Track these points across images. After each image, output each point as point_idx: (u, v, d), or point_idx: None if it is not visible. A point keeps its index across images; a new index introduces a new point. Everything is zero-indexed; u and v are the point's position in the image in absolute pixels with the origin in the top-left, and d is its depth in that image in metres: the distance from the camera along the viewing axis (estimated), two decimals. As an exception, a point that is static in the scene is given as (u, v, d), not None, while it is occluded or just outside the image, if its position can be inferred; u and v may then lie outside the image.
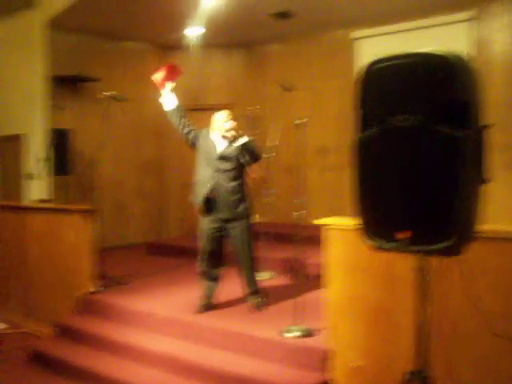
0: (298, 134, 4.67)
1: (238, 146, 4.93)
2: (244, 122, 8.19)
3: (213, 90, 9.67)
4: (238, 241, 5.05)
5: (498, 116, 5.81)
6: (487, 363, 3.27)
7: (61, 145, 7.59)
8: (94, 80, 8.28)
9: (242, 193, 5.02)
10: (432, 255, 2.34)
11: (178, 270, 6.97)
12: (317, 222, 3.92)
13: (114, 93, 6.28)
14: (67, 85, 8.17)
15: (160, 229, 9.67)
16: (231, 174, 4.97)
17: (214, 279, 5.20)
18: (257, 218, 7.07)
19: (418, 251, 2.29)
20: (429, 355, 2.53)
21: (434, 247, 2.22)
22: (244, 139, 4.93)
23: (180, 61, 9.62)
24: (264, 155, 6.35)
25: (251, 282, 5.15)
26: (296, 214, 4.41)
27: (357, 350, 3.84)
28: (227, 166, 4.97)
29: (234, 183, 4.98)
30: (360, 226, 2.44)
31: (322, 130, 8.55)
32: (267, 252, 6.44)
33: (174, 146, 9.46)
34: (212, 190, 4.96)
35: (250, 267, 5.13)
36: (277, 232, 7.03)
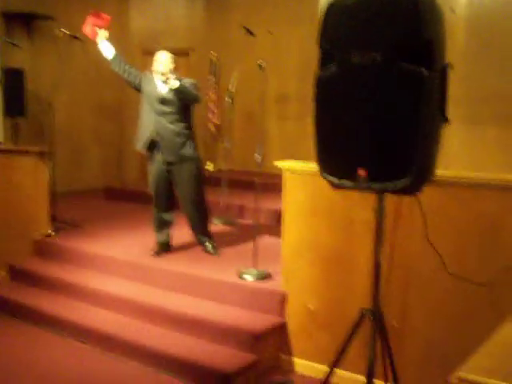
0: (259, 78, 4.61)
1: (172, 90, 4.83)
2: (206, 67, 8.09)
3: (173, 33, 9.44)
4: (185, 185, 5.00)
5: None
6: (440, 306, 3.37)
7: (14, 85, 7.34)
8: (48, 18, 7.96)
9: (187, 136, 4.94)
10: (390, 193, 2.36)
11: (136, 215, 6.91)
12: (277, 163, 3.91)
13: (71, 32, 6.06)
14: (21, 22, 7.85)
15: (119, 174, 9.54)
16: (175, 117, 4.89)
17: (168, 223, 5.18)
18: (208, 165, 7.06)
19: (377, 189, 2.30)
20: (384, 296, 2.57)
21: (392, 185, 2.23)
22: (175, 83, 4.77)
23: (140, 2, 9.39)
24: (227, 99, 6.28)
25: (201, 227, 5.14)
26: (257, 156, 4.38)
27: (313, 292, 3.90)
28: (169, 108, 4.89)
29: (178, 126, 4.90)
30: (320, 165, 2.43)
31: (284, 78, 8.47)
32: (225, 198, 6.44)
33: (134, 90, 9.26)
34: (155, 133, 4.90)
35: (199, 211, 5.09)
36: (235, 179, 7.02)
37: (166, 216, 5.16)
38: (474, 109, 6.52)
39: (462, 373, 1.49)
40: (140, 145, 5.01)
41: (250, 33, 6.73)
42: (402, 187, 2.20)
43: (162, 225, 5.17)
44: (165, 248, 5.16)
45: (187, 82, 4.87)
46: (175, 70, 4.90)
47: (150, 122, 4.92)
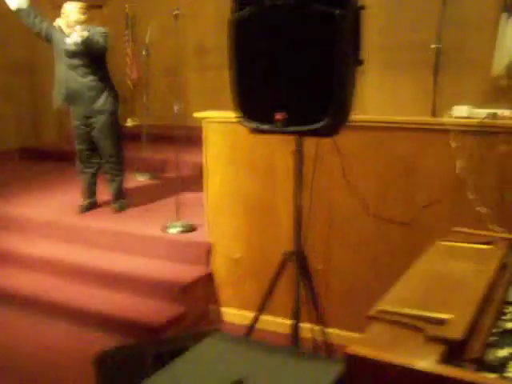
0: (175, 30, 4.50)
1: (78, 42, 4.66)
2: (121, 20, 7.84)
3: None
4: (100, 137, 4.90)
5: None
6: (363, 246, 3.47)
7: None
8: None
9: (100, 88, 4.80)
10: (308, 136, 2.38)
11: (55, 174, 6.72)
12: (196, 114, 3.86)
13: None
14: None
15: (35, 132, 9.18)
16: (86, 70, 4.75)
17: (91, 178, 5.08)
18: (128, 122, 6.92)
19: (295, 132, 2.31)
20: (307, 239, 2.62)
21: (309, 127, 2.24)
22: (82, 34, 4.61)
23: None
24: (143, 53, 6.12)
25: (114, 180, 5.04)
26: (176, 108, 4.31)
27: (238, 241, 3.93)
28: (79, 61, 4.74)
29: (89, 78, 4.76)
30: (238, 111, 2.42)
31: (201, 28, 8.31)
32: (146, 153, 6.34)
33: (46, 44, 8.88)
34: (68, 88, 4.76)
35: (114, 164, 4.99)
36: (155, 133, 6.90)
37: (89, 171, 5.06)
38: (389, 57, 6.63)
39: (380, 305, 1.55)
40: (57, 101, 4.87)
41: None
42: (319, 129, 2.22)
43: (86, 181, 5.08)
44: (90, 206, 5.07)
45: (97, 30, 4.69)
46: (88, 22, 4.72)
47: (62, 77, 4.77)
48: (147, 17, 7.87)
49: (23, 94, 9.01)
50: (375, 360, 1.30)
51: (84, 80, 4.74)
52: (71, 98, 4.80)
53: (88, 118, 4.84)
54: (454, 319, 1.40)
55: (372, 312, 1.56)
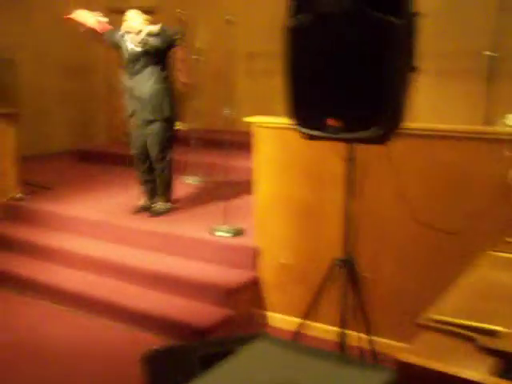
0: (228, 35, 4.56)
1: (145, 40, 4.76)
2: (173, 25, 7.94)
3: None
4: (150, 144, 4.95)
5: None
6: (410, 254, 3.43)
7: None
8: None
9: (158, 95, 4.86)
10: (360, 143, 2.38)
11: (106, 176, 6.86)
12: (248, 119, 3.89)
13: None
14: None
15: (87, 135, 9.39)
16: (145, 76, 4.84)
17: (147, 182, 5.14)
18: (178, 125, 7.00)
19: (347, 139, 2.31)
20: (355, 246, 2.61)
21: (362, 135, 2.24)
22: (154, 28, 4.77)
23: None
24: (194, 56, 6.20)
25: (166, 187, 5.07)
26: (226, 112, 4.35)
27: (286, 246, 3.94)
28: (138, 66, 4.84)
29: (148, 84, 4.84)
30: (291, 116, 2.43)
31: (253, 34, 8.36)
32: (194, 157, 6.40)
33: (101, 49, 9.07)
34: (130, 94, 4.89)
35: (161, 171, 5.02)
36: (203, 137, 6.97)
37: (145, 176, 5.11)
38: (440, 64, 6.55)
39: (430, 314, 1.54)
40: (127, 112, 5.04)
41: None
42: (372, 136, 2.22)
43: (143, 186, 5.14)
44: (144, 207, 5.12)
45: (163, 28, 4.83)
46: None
47: (126, 83, 4.93)
48: (198, 22, 7.98)
49: (76, 96, 9.22)
50: (426, 369, 1.29)
51: (143, 86, 4.82)
52: (135, 106, 4.91)
53: (146, 123, 4.91)
54: (507, 331, 1.38)
55: (422, 320, 1.55)
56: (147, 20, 4.88)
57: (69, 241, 4.94)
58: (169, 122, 4.95)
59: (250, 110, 7.85)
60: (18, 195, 5.63)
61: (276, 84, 8.35)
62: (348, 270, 2.56)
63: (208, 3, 8.32)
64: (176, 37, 4.83)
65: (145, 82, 4.82)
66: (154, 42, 4.74)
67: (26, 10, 5.87)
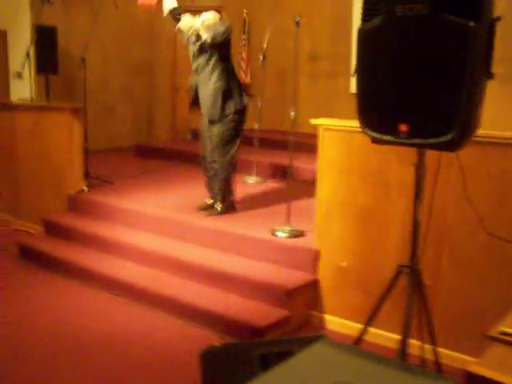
0: (292, 38, 4.55)
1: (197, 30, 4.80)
2: (237, 26, 8.00)
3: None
4: (211, 143, 4.96)
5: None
6: (475, 263, 3.35)
7: (47, 42, 7.34)
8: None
9: (219, 93, 4.83)
10: (431, 149, 2.33)
11: (167, 172, 6.97)
12: (313, 120, 3.88)
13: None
14: (53, -21, 7.83)
15: (149, 132, 9.57)
16: (207, 74, 4.85)
17: (209, 182, 5.15)
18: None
19: (418, 144, 2.28)
20: (420, 252, 2.57)
21: (433, 140, 2.20)
22: (201, 17, 4.82)
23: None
24: (260, 57, 6.22)
25: (219, 188, 5.03)
26: (292, 114, 4.35)
27: (346, 250, 3.91)
28: (200, 64, 4.87)
29: (210, 83, 4.84)
30: (361, 119, 2.41)
31: (315, 37, 8.34)
32: (257, 157, 6.42)
33: (165, 47, 9.24)
34: (195, 92, 4.95)
35: (221, 172, 4.97)
36: (265, 138, 6.98)
37: (208, 174, 5.10)
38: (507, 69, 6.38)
39: (503, 327, 1.50)
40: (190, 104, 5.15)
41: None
42: (444, 143, 2.17)
43: (207, 183, 5.15)
44: (208, 205, 5.13)
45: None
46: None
47: (191, 81, 5.02)
48: (262, 22, 8.01)
49: (141, 93, 9.41)
50: (497, 382, 1.26)
51: (206, 84, 4.85)
52: (202, 106, 4.96)
53: (210, 122, 4.94)
54: None
55: (492, 333, 1.51)
56: (214, 18, 4.89)
57: (130, 234, 5.04)
58: (228, 121, 4.87)
59: (312, 111, 7.84)
60: (83, 188, 5.77)
61: (337, 85, 8.31)
62: (413, 277, 2.52)
63: (273, 5, 8.32)
64: (225, 34, 4.77)
65: (207, 81, 4.85)
66: (204, 34, 4.75)
67: (95, 11, 6.01)
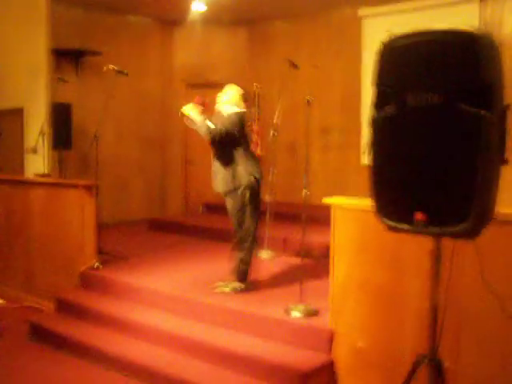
0: (303, 112, 4.62)
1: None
2: (250, 100, 8.14)
3: (215, 67, 9.57)
4: (230, 215, 4.99)
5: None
6: (494, 348, 3.26)
7: (61, 119, 7.51)
8: (96, 54, 8.19)
9: (232, 167, 4.87)
10: (448, 237, 2.31)
11: (180, 247, 6.95)
12: (326, 200, 3.87)
13: (117, 67, 6.19)
14: (69, 58, 8.09)
15: (162, 205, 9.63)
16: (217, 153, 4.94)
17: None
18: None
19: (435, 233, 2.25)
20: (439, 337, 2.50)
21: (451, 229, 2.18)
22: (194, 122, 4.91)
23: (183, 37, 9.56)
24: (271, 132, 6.30)
25: (237, 262, 5.00)
26: (305, 191, 4.37)
27: (362, 331, 3.82)
28: (216, 148, 4.97)
29: (225, 157, 4.91)
30: (375, 206, 2.40)
31: (326, 110, 8.48)
32: (270, 231, 6.40)
33: (176, 122, 9.39)
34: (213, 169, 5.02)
35: (239, 245, 4.97)
36: (279, 211, 6.98)
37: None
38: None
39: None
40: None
41: (295, 66, 6.75)
42: (462, 231, 2.15)
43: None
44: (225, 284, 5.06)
45: (227, 112, 4.90)
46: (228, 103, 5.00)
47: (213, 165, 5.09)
48: (273, 96, 8.16)
49: (154, 167, 9.52)
50: None
51: (217, 161, 4.93)
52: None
53: (225, 196, 4.98)
54: None
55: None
56: (235, 96, 5.00)
57: (144, 313, 4.97)
58: (241, 193, 4.89)
59: (324, 183, 7.93)
60: (95, 264, 5.75)
61: (347, 157, 8.38)
62: (433, 366, 2.44)
63: (282, 79, 8.51)
64: (232, 130, 4.83)
65: (221, 156, 4.92)
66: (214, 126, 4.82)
67: (109, 88, 6.17)
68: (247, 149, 5.04)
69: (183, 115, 4.96)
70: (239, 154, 4.91)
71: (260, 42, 9.47)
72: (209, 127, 4.80)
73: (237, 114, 4.90)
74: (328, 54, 8.60)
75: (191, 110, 4.91)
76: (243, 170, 4.88)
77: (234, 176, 4.88)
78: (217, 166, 4.95)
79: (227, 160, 4.90)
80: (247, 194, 4.89)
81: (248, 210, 4.92)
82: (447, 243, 2.43)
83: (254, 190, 4.93)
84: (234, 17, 9.14)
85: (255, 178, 4.90)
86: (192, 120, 4.91)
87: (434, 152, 2.18)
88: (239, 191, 4.88)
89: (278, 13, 8.95)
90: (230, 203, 4.95)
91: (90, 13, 8.42)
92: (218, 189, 4.98)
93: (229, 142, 4.87)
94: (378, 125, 2.31)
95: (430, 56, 2.15)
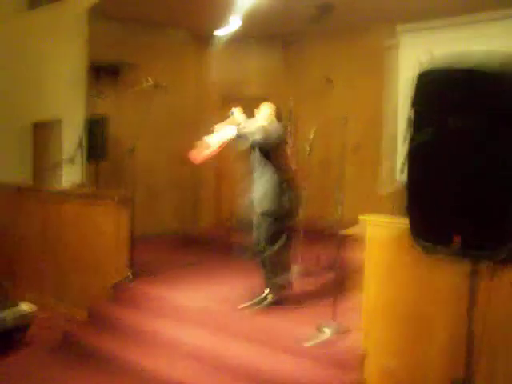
0: (336, 129, 4.62)
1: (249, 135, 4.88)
2: (283, 116, 8.15)
3: (250, 81, 9.61)
4: (260, 234, 4.97)
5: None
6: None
7: (98, 131, 7.62)
8: (133, 67, 8.28)
9: (270, 189, 4.89)
10: (486, 260, 2.27)
11: (211, 262, 6.95)
12: (361, 217, 3.85)
13: (154, 80, 6.26)
14: (106, 72, 8.21)
15: (193, 219, 9.66)
16: (259, 170, 4.96)
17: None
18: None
19: (472, 256, 2.22)
20: (476, 365, 2.46)
21: (489, 252, 2.15)
22: (230, 132, 4.93)
23: (219, 51, 9.63)
24: (307, 148, 6.31)
25: (266, 279, 5.04)
26: (338, 210, 4.35)
27: (391, 352, 3.78)
28: (253, 162, 5.00)
29: (263, 179, 4.94)
30: (411, 227, 2.38)
31: (358, 127, 8.43)
32: (302, 247, 6.36)
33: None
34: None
35: (268, 264, 4.99)
36: (311, 227, 6.93)
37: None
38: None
39: None
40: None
41: (330, 81, 6.74)
42: (499, 255, 2.12)
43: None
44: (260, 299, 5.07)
45: (260, 124, 4.91)
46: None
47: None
48: (306, 112, 8.18)
49: (186, 180, 9.56)
50: None
51: (262, 178, 4.94)
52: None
53: (261, 215, 4.97)
54: None
55: None
56: (269, 113, 5.02)
57: (171, 327, 4.99)
58: (270, 216, 4.91)
59: (355, 201, 7.87)
60: (128, 277, 5.79)
61: (376, 173, 8.25)
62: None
63: (315, 96, 8.53)
64: (276, 139, 4.87)
65: (260, 176, 4.94)
66: (255, 137, 4.82)
67: (147, 104, 6.25)
68: (287, 170, 5.07)
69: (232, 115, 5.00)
70: (280, 174, 4.94)
71: (295, 56, 9.47)
72: (262, 131, 4.81)
73: (279, 125, 4.96)
74: (363, 71, 8.56)
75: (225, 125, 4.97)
76: (281, 194, 4.91)
77: (273, 199, 4.89)
78: (258, 187, 4.97)
79: (268, 179, 4.92)
80: (281, 218, 4.94)
81: (281, 231, 4.95)
82: (484, 267, 2.39)
83: (290, 215, 4.99)
84: (269, 31, 9.18)
85: (290, 203, 4.95)
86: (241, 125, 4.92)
87: (473, 175, 2.16)
88: (275, 214, 4.91)
89: (313, 28, 8.96)
90: (264, 223, 4.94)
91: (128, 27, 8.53)
92: (257, 208, 4.97)
93: (268, 152, 4.90)
94: (416, 147, 2.30)
95: (470, 80, 2.14)
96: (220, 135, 4.99)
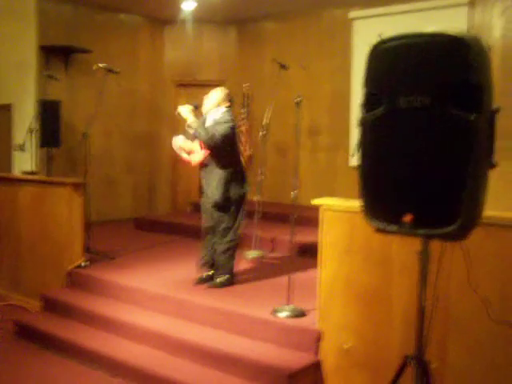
0: (292, 113, 4.62)
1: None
2: (237, 99, 8.14)
3: (205, 66, 9.57)
4: (213, 221, 5.10)
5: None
6: (481, 349, 3.28)
7: (50, 116, 7.46)
8: (86, 51, 8.15)
9: (223, 180, 4.95)
10: (436, 239, 2.32)
11: (167, 247, 6.94)
12: (314, 202, 3.88)
13: (107, 65, 6.16)
14: (59, 55, 8.05)
15: (150, 204, 9.61)
16: (213, 163, 5.00)
17: (209, 253, 5.22)
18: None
19: (423, 235, 2.27)
20: (427, 340, 2.52)
21: (439, 231, 2.19)
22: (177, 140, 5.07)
23: (173, 36, 9.54)
24: (261, 132, 6.33)
25: (220, 262, 5.12)
26: (294, 192, 4.38)
27: (348, 331, 3.84)
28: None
29: (215, 170, 4.99)
30: (363, 208, 2.41)
31: (315, 111, 8.49)
32: (257, 231, 6.41)
33: (166, 121, 9.39)
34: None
35: (222, 249, 5.09)
36: (267, 211, 6.99)
37: (208, 248, 5.24)
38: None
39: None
40: None
41: (283, 66, 6.75)
42: (450, 233, 2.16)
43: (205, 256, 5.25)
44: (204, 281, 5.18)
45: (219, 119, 4.93)
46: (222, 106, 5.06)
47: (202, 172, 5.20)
48: (262, 96, 8.18)
49: (142, 165, 9.49)
50: None
51: (214, 170, 5.01)
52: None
53: (213, 207, 5.07)
54: None
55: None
56: (218, 97, 5.02)
57: (127, 312, 4.96)
58: (229, 206, 5.02)
59: (313, 184, 7.94)
60: (83, 263, 5.72)
61: (336, 159, 8.40)
62: (421, 368, 2.46)
63: (271, 79, 8.53)
64: (221, 139, 4.87)
65: (213, 169, 5.00)
66: (201, 138, 4.89)
67: (100, 89, 6.16)
68: (239, 160, 5.16)
69: (180, 115, 4.98)
70: (232, 164, 5.03)
71: (250, 41, 9.46)
72: (208, 132, 4.84)
73: (231, 127, 4.95)
74: (318, 55, 8.60)
75: (189, 114, 4.93)
76: (234, 184, 5.01)
77: (225, 189, 4.96)
78: (210, 178, 5.00)
79: (221, 170, 4.97)
80: (235, 208, 5.07)
81: (235, 220, 5.09)
82: (435, 245, 2.45)
83: (242, 204, 5.11)
84: (224, 16, 9.14)
85: (243, 193, 5.08)
86: (189, 123, 4.92)
87: (423, 154, 2.20)
88: (229, 204, 5.02)
89: (268, 13, 8.96)
90: (217, 213, 5.04)
91: (80, 10, 8.39)
92: (210, 198, 5.02)
93: (223, 148, 4.94)
94: (367, 126, 2.32)
95: (419, 59, 2.17)
96: (181, 138, 5.06)
